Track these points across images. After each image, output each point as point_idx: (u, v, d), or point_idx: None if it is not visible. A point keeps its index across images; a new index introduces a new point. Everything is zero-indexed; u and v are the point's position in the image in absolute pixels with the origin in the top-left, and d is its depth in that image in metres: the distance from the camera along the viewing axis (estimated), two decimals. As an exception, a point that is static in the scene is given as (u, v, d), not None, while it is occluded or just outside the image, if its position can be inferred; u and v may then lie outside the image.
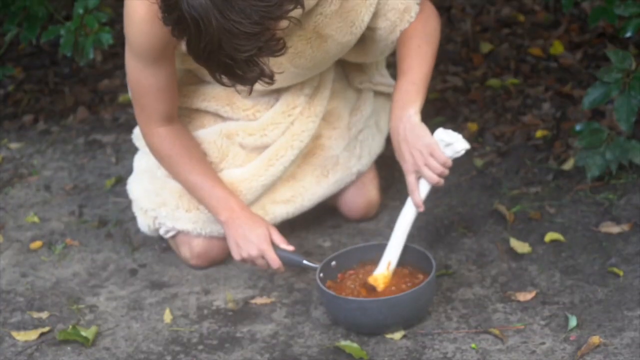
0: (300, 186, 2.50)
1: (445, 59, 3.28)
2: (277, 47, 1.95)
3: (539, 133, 2.88)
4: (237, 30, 1.89)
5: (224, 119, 2.48)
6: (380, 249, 2.34)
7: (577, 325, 2.17)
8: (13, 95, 3.41)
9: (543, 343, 2.14)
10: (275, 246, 2.32)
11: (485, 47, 3.34)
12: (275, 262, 2.31)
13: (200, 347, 2.23)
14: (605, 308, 2.22)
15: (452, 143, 2.17)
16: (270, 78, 2.00)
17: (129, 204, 2.65)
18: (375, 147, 2.61)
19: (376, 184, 2.62)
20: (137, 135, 2.55)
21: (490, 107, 3.04)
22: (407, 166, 2.22)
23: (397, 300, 2.18)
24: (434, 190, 2.33)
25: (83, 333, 2.26)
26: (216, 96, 2.45)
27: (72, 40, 2.82)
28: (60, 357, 2.23)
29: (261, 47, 1.93)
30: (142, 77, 2.26)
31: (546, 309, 2.23)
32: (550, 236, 2.47)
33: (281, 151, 2.44)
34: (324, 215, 2.62)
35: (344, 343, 2.18)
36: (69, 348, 2.26)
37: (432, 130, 2.22)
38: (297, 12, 2.00)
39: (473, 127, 2.94)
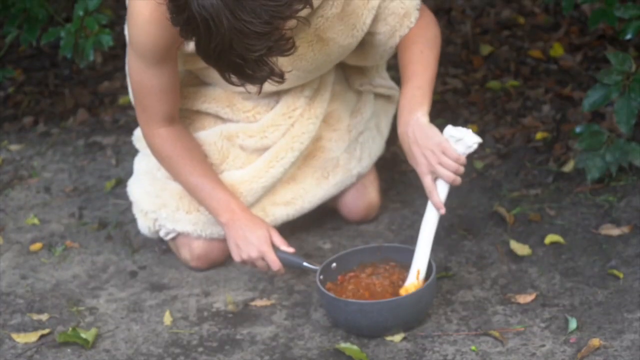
0: (301, 188, 2.50)
1: (445, 61, 3.28)
2: (286, 46, 1.96)
3: (539, 135, 2.88)
4: (248, 30, 1.89)
5: (224, 120, 2.48)
6: (381, 250, 2.34)
7: (577, 328, 2.17)
8: (13, 97, 3.41)
9: (543, 345, 2.14)
10: (275, 248, 2.32)
11: (485, 49, 3.34)
12: (275, 263, 2.30)
13: (200, 349, 2.23)
14: (605, 310, 2.22)
15: (462, 138, 2.15)
16: (281, 77, 2.00)
17: (129, 205, 2.65)
18: (375, 149, 2.61)
19: (376, 186, 2.62)
20: (137, 137, 2.55)
21: (490, 109, 3.04)
22: (422, 168, 2.19)
23: (397, 302, 2.18)
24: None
25: (83, 335, 2.26)
26: (216, 98, 2.45)
27: (72, 42, 2.82)
28: None
29: (271, 46, 1.93)
30: (144, 78, 2.26)
31: (546, 311, 2.23)
32: (550, 238, 2.47)
33: (281, 153, 2.44)
34: (324, 217, 2.62)
35: (344, 345, 2.18)
36: (68, 350, 2.26)
37: (440, 130, 2.20)
38: (305, 12, 2.00)
39: (473, 129, 2.94)
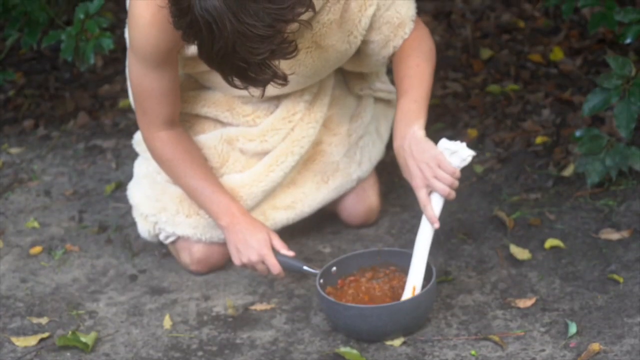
0: (301, 192, 2.50)
1: (445, 65, 3.29)
2: (289, 49, 1.96)
3: (539, 139, 2.88)
4: (251, 33, 1.89)
5: (224, 124, 2.48)
6: (381, 255, 2.34)
7: (577, 332, 2.17)
8: (13, 100, 3.41)
9: (543, 350, 2.14)
10: (275, 252, 2.32)
11: (485, 53, 3.34)
12: (275, 267, 2.30)
13: (200, 353, 2.23)
14: (605, 315, 2.22)
15: (457, 151, 2.16)
16: (284, 79, 2.00)
17: (129, 209, 2.65)
18: (375, 153, 2.61)
19: (376, 190, 2.62)
20: (137, 140, 2.55)
21: (490, 113, 3.04)
22: (417, 181, 2.18)
23: (397, 306, 2.18)
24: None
25: (82, 339, 2.26)
26: (216, 102, 2.46)
27: (73, 45, 2.83)
28: (59, 363, 2.24)
29: (274, 49, 1.93)
30: (145, 81, 2.26)
31: (546, 316, 2.23)
32: (550, 242, 2.47)
33: (281, 157, 2.44)
34: (324, 221, 2.62)
35: (343, 349, 2.18)
36: (68, 354, 2.26)
37: (435, 141, 2.20)
38: (307, 15, 2.01)
39: (473, 133, 2.94)
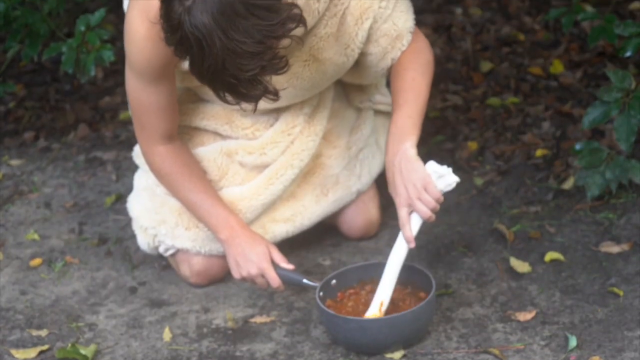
0: (300, 205, 2.50)
1: (446, 78, 3.29)
2: (280, 65, 1.96)
3: (539, 152, 2.88)
4: (240, 50, 1.90)
5: (223, 137, 2.48)
6: (381, 268, 2.34)
7: (577, 346, 2.16)
8: (14, 112, 3.41)
9: (543, 363, 2.13)
10: (275, 265, 2.32)
11: (486, 66, 3.34)
12: (275, 281, 2.30)
13: (200, 365, 2.23)
14: (605, 328, 2.21)
15: (444, 175, 2.17)
16: (275, 94, 2.01)
17: (129, 221, 2.65)
18: (375, 166, 2.61)
19: (376, 202, 2.62)
20: (137, 153, 2.55)
21: (490, 126, 3.05)
22: (400, 200, 2.19)
23: (397, 319, 2.18)
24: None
25: (82, 351, 2.26)
26: (215, 115, 2.46)
27: (74, 57, 2.83)
28: (59, 376, 2.23)
29: (264, 65, 1.94)
30: (142, 96, 2.27)
31: (546, 329, 2.23)
32: (550, 255, 2.46)
33: (281, 170, 2.44)
34: (324, 233, 2.62)
35: (343, 362, 2.18)
36: (68, 366, 2.26)
37: (425, 161, 2.20)
38: (299, 31, 2.01)
39: (473, 145, 2.94)
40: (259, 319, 2.36)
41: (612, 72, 2.51)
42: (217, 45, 1.89)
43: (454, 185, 2.18)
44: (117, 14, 3.80)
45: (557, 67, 3.27)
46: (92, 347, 2.28)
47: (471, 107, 3.15)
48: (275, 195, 2.45)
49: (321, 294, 2.27)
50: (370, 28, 2.28)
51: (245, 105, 2.03)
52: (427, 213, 2.17)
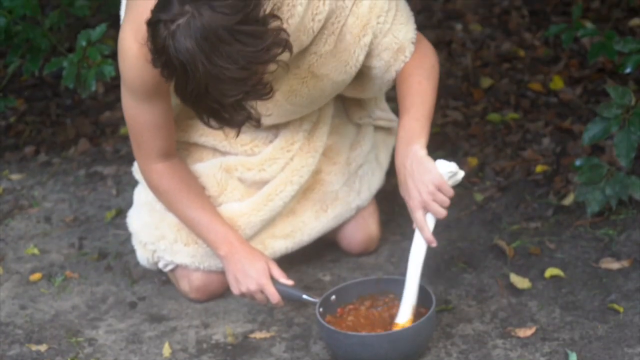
0: (300, 221, 2.50)
1: (446, 94, 3.29)
2: (264, 91, 1.97)
3: (539, 168, 2.88)
4: (223, 75, 1.90)
5: (222, 153, 2.48)
6: (380, 283, 2.34)
7: (577, 362, 2.16)
8: (15, 126, 3.42)
9: (543, 380, 2.13)
10: (274, 280, 2.32)
11: (486, 82, 3.35)
12: (274, 296, 2.30)
13: (199, 381, 2.23)
14: (605, 345, 2.21)
15: (456, 173, 2.18)
16: (257, 121, 2.01)
17: (129, 236, 2.64)
18: (375, 182, 2.61)
19: (376, 218, 2.62)
20: (137, 168, 2.55)
21: (490, 141, 3.05)
22: (414, 202, 2.19)
23: (397, 335, 2.18)
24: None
25: (81, 366, 2.26)
26: (214, 131, 2.46)
27: (75, 72, 2.84)
28: (58, 391, 2.23)
29: (248, 91, 1.94)
30: (137, 114, 2.27)
31: (546, 345, 2.23)
32: (550, 272, 2.46)
33: (280, 186, 2.44)
34: (324, 249, 2.62)
35: (343, 378, 2.17)
36: (67, 381, 2.25)
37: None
38: (285, 56, 2.00)
39: (473, 161, 2.94)
40: (258, 335, 2.36)
41: (612, 89, 2.52)
42: (200, 70, 1.89)
43: (460, 180, 2.20)
44: (117, 29, 3.79)
45: (557, 83, 3.28)
46: (92, 362, 2.28)
47: (471, 123, 3.16)
48: (275, 211, 2.45)
49: (321, 309, 2.26)
50: (371, 43, 2.29)
51: (227, 130, 2.03)
52: (443, 213, 2.17)
